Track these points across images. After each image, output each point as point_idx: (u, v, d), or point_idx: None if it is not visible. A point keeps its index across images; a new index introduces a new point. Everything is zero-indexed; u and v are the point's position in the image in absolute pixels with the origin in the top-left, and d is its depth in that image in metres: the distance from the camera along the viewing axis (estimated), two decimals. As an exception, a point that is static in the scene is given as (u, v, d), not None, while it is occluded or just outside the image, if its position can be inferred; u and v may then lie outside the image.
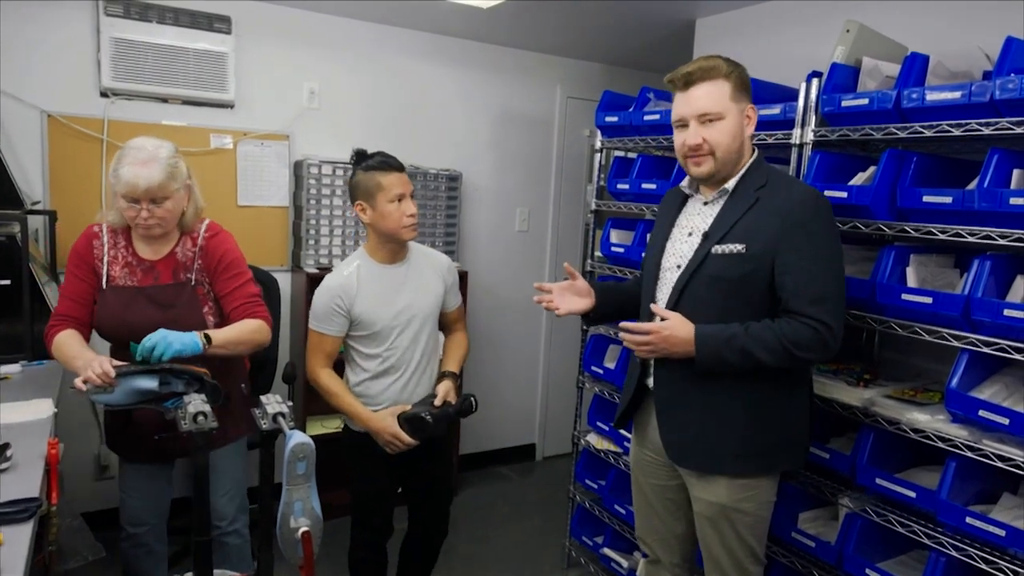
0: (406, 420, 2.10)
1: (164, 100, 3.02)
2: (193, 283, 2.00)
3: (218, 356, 1.91)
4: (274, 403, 1.66)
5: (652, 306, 1.75)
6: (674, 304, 1.75)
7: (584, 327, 2.95)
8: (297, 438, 1.45)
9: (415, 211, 2.11)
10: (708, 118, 1.68)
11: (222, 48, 3.05)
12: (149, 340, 1.76)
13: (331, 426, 3.32)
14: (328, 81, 3.38)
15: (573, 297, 1.97)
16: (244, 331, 1.96)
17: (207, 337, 1.85)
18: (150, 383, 1.79)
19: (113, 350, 1.98)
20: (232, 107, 3.17)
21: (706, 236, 1.73)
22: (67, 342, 1.89)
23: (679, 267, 1.78)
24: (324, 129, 3.39)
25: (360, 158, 2.14)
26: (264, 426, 1.62)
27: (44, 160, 2.84)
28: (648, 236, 2.04)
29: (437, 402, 2.15)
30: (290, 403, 1.68)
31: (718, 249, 1.69)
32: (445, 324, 2.33)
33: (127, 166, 1.83)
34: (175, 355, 1.77)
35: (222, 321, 2.03)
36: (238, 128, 3.19)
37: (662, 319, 1.71)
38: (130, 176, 1.82)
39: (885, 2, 2.34)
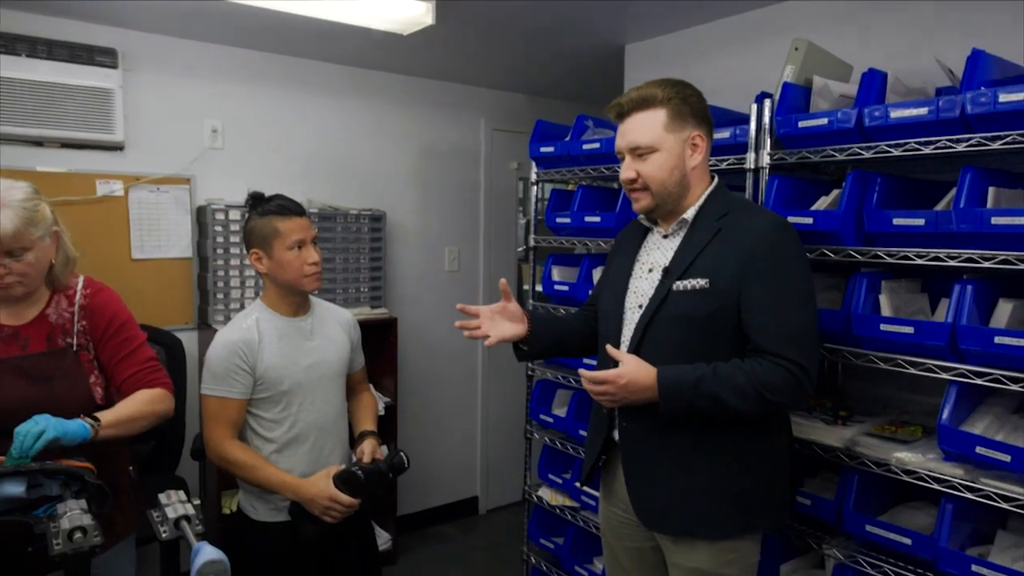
0: (339, 480, 1.82)
1: (39, 143, 2.65)
2: (75, 348, 1.65)
3: (110, 440, 1.57)
4: (176, 503, 1.36)
5: (608, 347, 1.56)
6: (636, 347, 1.58)
7: (523, 361, 2.72)
8: (207, 554, 1.15)
9: (318, 258, 1.87)
10: (640, 151, 1.56)
11: (107, 84, 2.71)
12: (20, 429, 1.41)
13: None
14: (232, 118, 3.08)
15: (505, 323, 1.75)
16: (141, 404, 1.64)
17: (95, 419, 1.52)
18: (15, 488, 1.43)
19: None
20: (121, 149, 2.82)
21: (666, 272, 1.58)
22: None
23: (641, 307, 1.61)
24: (230, 170, 3.08)
25: (256, 202, 1.89)
26: (164, 535, 1.31)
27: None
28: (602, 272, 1.86)
29: (366, 459, 1.90)
30: (196, 501, 1.38)
31: (680, 285, 1.53)
32: (350, 386, 2.08)
33: None
34: (48, 444, 1.42)
35: (110, 392, 1.70)
36: (129, 172, 2.84)
37: (616, 363, 1.52)
38: None
39: (816, 22, 2.29)
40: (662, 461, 1.58)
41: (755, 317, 1.48)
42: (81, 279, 1.73)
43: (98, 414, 1.54)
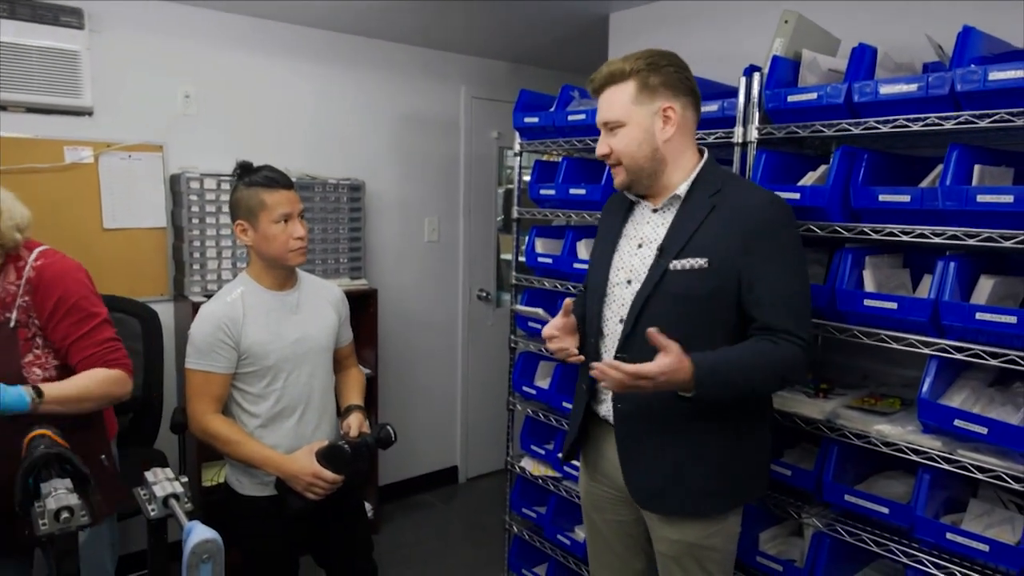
0: (323, 455, 1.81)
1: (2, 107, 2.54)
2: (13, 324, 1.58)
3: (57, 415, 1.50)
4: (164, 481, 1.33)
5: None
6: (633, 325, 1.55)
7: (512, 345, 2.73)
8: (199, 533, 1.13)
9: (304, 233, 1.84)
10: (610, 126, 1.57)
11: (73, 46, 2.60)
12: None
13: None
14: (206, 83, 2.98)
15: (569, 337, 1.65)
16: (92, 384, 1.59)
17: (37, 391, 1.48)
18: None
19: None
20: (90, 114, 2.71)
21: (662, 250, 1.55)
22: None
23: (629, 282, 1.60)
24: (204, 138, 2.99)
25: (244, 172, 1.85)
26: (152, 513, 1.29)
27: None
28: (592, 246, 1.84)
29: (352, 434, 1.89)
30: (184, 479, 1.35)
31: (677, 264, 1.51)
32: (337, 360, 2.07)
33: None
34: None
35: (61, 373, 1.63)
36: (99, 139, 2.74)
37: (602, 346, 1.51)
38: None
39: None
40: (663, 444, 1.57)
41: (764, 295, 1.47)
42: (36, 251, 1.63)
43: (44, 386, 1.50)
